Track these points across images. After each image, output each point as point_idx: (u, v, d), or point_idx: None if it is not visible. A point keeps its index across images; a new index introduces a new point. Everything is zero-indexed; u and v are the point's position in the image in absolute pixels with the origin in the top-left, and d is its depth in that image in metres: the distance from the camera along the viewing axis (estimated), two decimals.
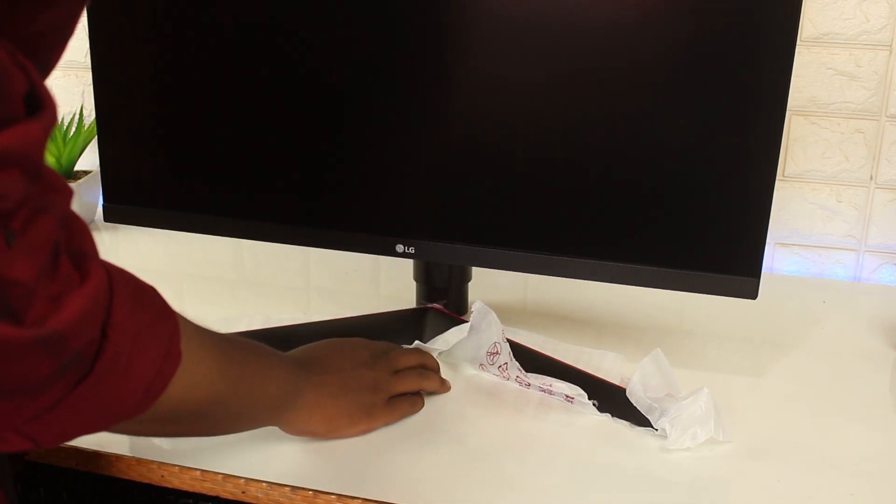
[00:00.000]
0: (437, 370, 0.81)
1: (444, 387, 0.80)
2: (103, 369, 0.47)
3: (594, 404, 0.76)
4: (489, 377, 0.82)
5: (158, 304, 0.53)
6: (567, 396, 0.77)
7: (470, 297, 0.97)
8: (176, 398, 0.54)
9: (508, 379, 0.80)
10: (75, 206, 0.48)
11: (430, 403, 0.78)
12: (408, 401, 0.77)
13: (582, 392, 0.76)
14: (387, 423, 0.74)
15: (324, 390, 0.71)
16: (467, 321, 0.90)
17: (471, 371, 0.83)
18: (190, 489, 0.69)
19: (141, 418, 0.53)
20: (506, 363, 0.79)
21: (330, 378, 0.72)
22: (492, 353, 0.80)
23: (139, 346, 0.49)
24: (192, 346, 0.55)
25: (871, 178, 1.06)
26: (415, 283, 0.95)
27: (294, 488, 0.66)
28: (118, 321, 0.48)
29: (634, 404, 0.76)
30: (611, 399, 0.78)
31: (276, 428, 0.73)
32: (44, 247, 0.43)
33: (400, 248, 0.84)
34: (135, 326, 0.49)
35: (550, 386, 0.77)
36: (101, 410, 0.50)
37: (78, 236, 0.47)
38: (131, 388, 0.50)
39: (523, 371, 0.78)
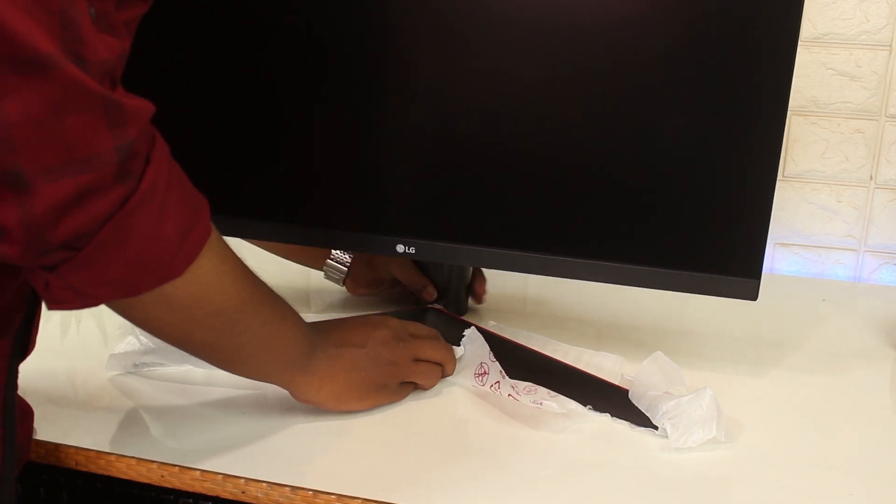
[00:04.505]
0: (448, 375, 0.81)
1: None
2: (146, 192, 0.52)
3: (589, 408, 0.76)
4: None
5: (188, 181, 0.58)
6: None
7: (470, 299, 0.97)
8: (204, 280, 0.58)
9: (501, 397, 0.79)
10: None
11: (431, 404, 0.78)
12: (413, 385, 0.78)
13: (572, 407, 0.75)
14: (392, 402, 0.76)
15: (338, 363, 0.72)
16: (467, 321, 0.90)
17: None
18: (190, 489, 0.69)
19: (172, 301, 0.57)
20: (497, 382, 0.78)
21: (347, 352, 0.73)
22: (479, 375, 0.80)
23: (171, 191, 0.55)
24: (219, 238, 0.60)
25: (871, 178, 1.06)
26: None
27: (294, 488, 0.66)
28: (157, 158, 0.53)
29: (636, 404, 0.76)
30: (611, 400, 0.78)
31: (275, 428, 0.73)
32: (113, 49, 0.50)
33: (400, 247, 0.84)
34: (168, 171, 0.55)
35: (540, 406, 0.75)
36: (142, 252, 0.53)
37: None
38: (167, 231, 0.54)
39: (516, 389, 0.77)
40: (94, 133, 0.48)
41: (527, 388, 0.76)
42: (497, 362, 0.78)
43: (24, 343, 0.66)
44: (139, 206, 0.52)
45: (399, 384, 0.76)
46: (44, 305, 0.62)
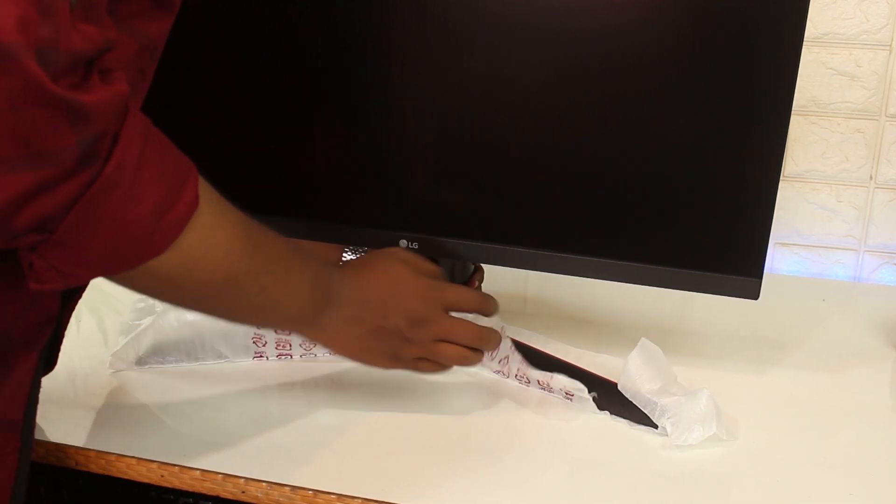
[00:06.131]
0: (472, 364, 0.76)
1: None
2: (113, 174, 0.50)
3: (594, 398, 0.76)
4: (489, 375, 0.82)
5: (173, 152, 0.56)
6: (567, 393, 0.76)
7: None
8: (189, 254, 0.56)
9: (508, 375, 0.80)
10: None
11: (430, 403, 0.78)
12: (430, 366, 0.74)
13: (582, 387, 0.76)
14: (405, 369, 0.74)
15: (353, 329, 0.70)
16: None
17: (470, 369, 0.83)
18: (190, 489, 0.69)
19: (158, 274, 0.55)
20: (506, 356, 0.79)
21: (368, 315, 0.70)
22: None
23: (144, 170, 0.52)
24: (212, 206, 0.58)
25: (871, 178, 1.06)
26: None
27: (294, 488, 0.66)
28: (126, 136, 0.51)
29: (630, 399, 0.76)
30: (611, 398, 0.78)
31: (275, 428, 0.73)
32: (93, 39, 0.48)
33: (404, 243, 0.84)
34: (141, 148, 0.52)
35: (550, 380, 0.76)
36: (117, 233, 0.51)
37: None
38: (140, 211, 0.52)
39: (525, 363, 0.77)
40: (55, 129, 0.47)
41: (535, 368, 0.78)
42: (508, 338, 0.78)
43: (49, 359, 0.66)
44: (105, 188, 0.50)
45: (413, 358, 0.73)
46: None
